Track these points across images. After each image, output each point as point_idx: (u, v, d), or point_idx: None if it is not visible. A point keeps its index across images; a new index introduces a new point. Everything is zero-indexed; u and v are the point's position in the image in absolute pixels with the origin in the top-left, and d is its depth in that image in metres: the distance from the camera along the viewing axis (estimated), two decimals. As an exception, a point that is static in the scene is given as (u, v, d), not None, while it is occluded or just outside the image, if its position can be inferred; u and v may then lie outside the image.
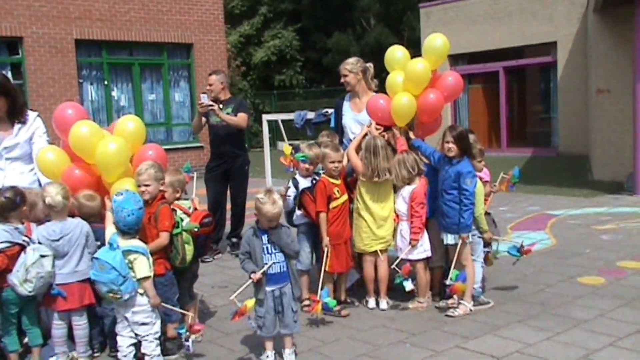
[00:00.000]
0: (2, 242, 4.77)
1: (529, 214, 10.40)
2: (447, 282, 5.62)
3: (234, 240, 8.53)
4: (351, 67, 6.58)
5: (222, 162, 8.35)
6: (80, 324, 4.98)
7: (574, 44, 17.61)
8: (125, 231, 4.73)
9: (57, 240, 4.85)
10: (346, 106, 6.76)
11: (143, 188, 5.01)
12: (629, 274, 6.75)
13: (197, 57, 19.07)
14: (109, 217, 4.84)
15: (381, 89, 6.49)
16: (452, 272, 5.62)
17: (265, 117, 13.17)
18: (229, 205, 8.61)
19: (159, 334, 4.88)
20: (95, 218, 5.17)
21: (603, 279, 6.60)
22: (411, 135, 6.19)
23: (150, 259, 4.81)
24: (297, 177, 6.25)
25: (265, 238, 4.76)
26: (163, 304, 4.87)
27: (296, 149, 6.59)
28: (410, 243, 5.84)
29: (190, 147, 18.51)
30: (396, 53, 6.27)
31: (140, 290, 4.73)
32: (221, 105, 8.14)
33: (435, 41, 6.10)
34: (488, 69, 19.93)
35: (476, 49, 19.30)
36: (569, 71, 17.82)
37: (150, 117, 18.49)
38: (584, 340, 5.01)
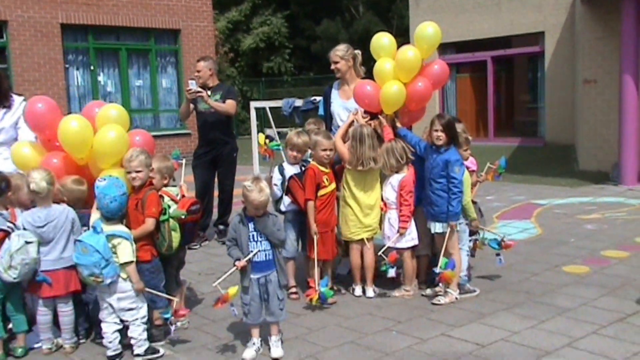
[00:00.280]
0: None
1: (515, 203, 10.44)
2: (437, 270, 5.64)
3: (221, 227, 8.52)
4: (342, 53, 6.56)
5: (210, 149, 8.32)
6: (66, 310, 4.97)
7: (562, 34, 17.62)
8: (109, 217, 4.73)
9: (42, 226, 4.83)
10: (335, 94, 6.74)
11: (134, 174, 4.99)
12: (613, 263, 6.80)
13: (185, 43, 18.97)
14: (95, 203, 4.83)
15: (369, 76, 6.48)
16: (441, 260, 5.64)
17: (253, 104, 13.12)
18: (216, 193, 8.60)
19: (146, 319, 4.89)
20: (82, 203, 5.15)
21: (587, 267, 6.65)
22: (397, 123, 6.19)
23: (134, 244, 4.82)
24: (284, 164, 6.25)
25: (251, 226, 4.76)
26: (147, 290, 4.87)
27: (270, 137, 6.63)
28: (399, 231, 5.86)
29: (178, 134, 18.45)
30: (382, 40, 6.25)
31: (124, 275, 4.74)
32: (209, 92, 8.10)
33: (426, 30, 6.10)
34: (476, 58, 19.93)
35: (464, 38, 19.27)
36: (557, 61, 17.85)
37: (137, 103, 18.40)
38: (567, 328, 5.05)
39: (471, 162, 6.25)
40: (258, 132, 11.86)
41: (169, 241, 5.12)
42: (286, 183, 6.10)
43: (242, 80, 29.05)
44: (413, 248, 5.98)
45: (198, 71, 8.27)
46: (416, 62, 5.99)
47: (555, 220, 9.02)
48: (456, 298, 5.78)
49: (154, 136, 6.25)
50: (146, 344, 4.86)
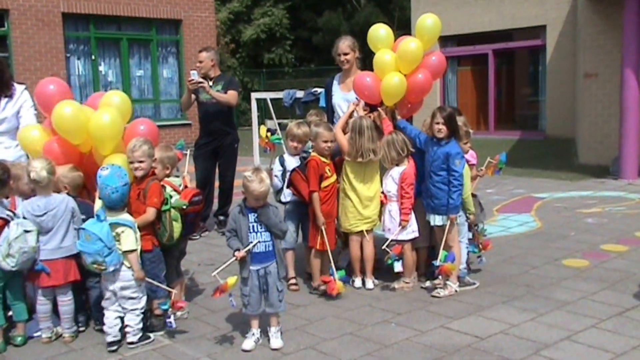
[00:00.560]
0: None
1: (515, 196, 10.45)
2: (436, 262, 5.64)
3: (221, 218, 8.52)
4: (352, 44, 6.56)
5: (211, 139, 8.32)
6: (65, 300, 4.97)
7: (564, 27, 17.59)
8: (111, 207, 4.74)
9: (42, 215, 4.83)
10: (336, 86, 6.73)
11: (137, 165, 5.00)
12: (613, 257, 6.81)
13: (186, 33, 18.94)
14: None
15: (365, 69, 6.49)
16: (441, 253, 5.65)
17: (254, 96, 13.11)
18: (217, 183, 8.60)
19: (144, 309, 4.91)
20: (81, 189, 5.16)
21: (587, 261, 6.65)
22: (397, 115, 6.19)
23: (138, 232, 4.84)
24: (285, 155, 6.25)
25: (251, 216, 4.75)
26: (147, 279, 4.89)
27: (272, 130, 6.63)
28: (400, 224, 5.86)
29: (178, 124, 18.44)
30: (379, 31, 6.25)
31: (127, 264, 4.76)
32: (211, 83, 8.10)
33: (426, 21, 6.10)
34: (477, 51, 19.89)
35: (466, 31, 19.23)
36: (558, 55, 17.82)
37: (137, 93, 18.39)
38: (567, 322, 5.06)
39: (471, 156, 6.25)
40: (259, 123, 11.88)
41: (170, 231, 5.12)
42: (288, 176, 6.09)
43: (243, 71, 29.00)
44: (413, 240, 5.98)
45: (200, 61, 8.26)
46: (418, 53, 5.98)
47: (555, 214, 9.02)
48: (455, 291, 5.78)
49: (155, 126, 6.24)
50: (140, 333, 4.88)
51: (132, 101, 5.68)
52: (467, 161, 6.02)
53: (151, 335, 4.98)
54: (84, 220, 4.87)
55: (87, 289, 5.21)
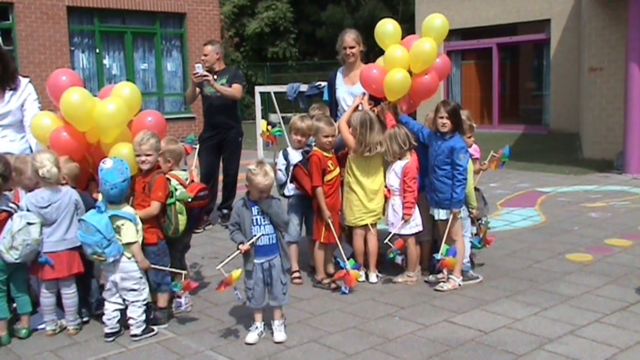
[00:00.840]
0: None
1: (519, 190, 10.44)
2: (438, 256, 5.64)
3: (225, 211, 8.53)
4: (358, 38, 6.56)
5: (215, 133, 8.32)
6: (69, 292, 4.98)
7: (568, 21, 17.54)
8: (110, 201, 4.76)
9: (46, 207, 4.83)
10: (340, 79, 6.72)
11: (144, 158, 5.02)
12: (616, 251, 6.81)
13: (190, 27, 18.92)
14: None
15: (369, 62, 6.49)
16: (443, 247, 5.65)
17: (258, 89, 13.11)
18: (221, 177, 8.60)
19: (146, 301, 4.93)
20: (78, 179, 5.17)
21: (591, 256, 6.65)
22: (399, 110, 6.19)
23: (140, 224, 4.87)
24: (288, 149, 6.25)
25: (254, 210, 4.75)
26: (153, 266, 4.93)
27: (272, 124, 6.62)
28: (403, 218, 5.86)
29: (182, 118, 18.44)
30: (387, 26, 6.24)
31: (128, 255, 4.78)
32: (215, 76, 8.09)
33: (434, 21, 6.12)
34: (481, 45, 19.86)
35: (470, 25, 19.19)
36: (562, 49, 17.78)
37: (142, 86, 18.37)
38: (570, 316, 5.06)
39: (474, 150, 6.24)
40: (263, 117, 11.88)
41: (176, 224, 5.13)
42: (291, 170, 6.09)
43: (246, 65, 28.98)
44: (417, 234, 5.98)
45: (205, 55, 8.25)
46: (433, 54, 6.01)
47: (559, 208, 9.01)
48: (459, 285, 5.78)
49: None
50: (143, 325, 4.90)
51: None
52: (471, 155, 6.02)
53: (155, 328, 4.99)
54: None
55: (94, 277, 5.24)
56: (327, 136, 5.91)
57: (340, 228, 6.21)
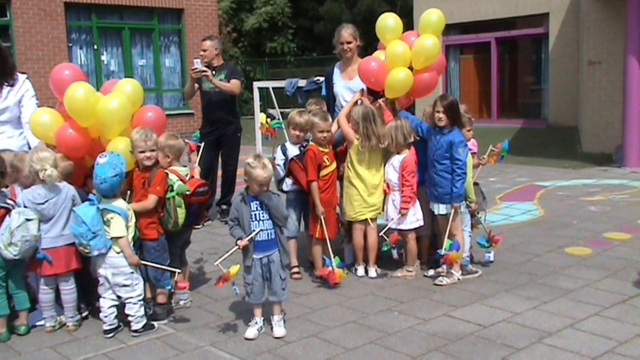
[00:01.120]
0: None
1: (518, 184, 10.44)
2: (441, 252, 5.63)
3: (224, 207, 8.52)
4: (354, 32, 6.55)
5: (214, 128, 8.30)
6: (68, 288, 4.98)
7: (566, 15, 17.51)
8: (103, 195, 4.76)
9: (43, 203, 4.83)
10: (337, 74, 6.71)
11: (149, 154, 5.03)
12: (615, 245, 6.81)
13: (188, 22, 18.88)
14: None
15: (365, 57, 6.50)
16: (446, 242, 5.64)
17: (256, 85, 13.10)
18: (220, 172, 8.59)
19: (142, 296, 4.94)
20: (72, 177, 5.16)
21: (590, 249, 6.65)
22: (397, 106, 6.19)
23: (133, 220, 4.88)
24: (287, 144, 6.24)
25: (253, 205, 4.75)
26: (143, 262, 4.92)
27: (271, 116, 6.62)
28: (400, 212, 5.86)
29: (181, 114, 18.41)
30: (388, 21, 6.24)
31: (117, 249, 4.77)
32: (214, 72, 8.08)
33: (431, 16, 6.13)
34: (480, 39, 19.83)
35: (468, 19, 19.15)
36: (561, 43, 17.75)
37: (140, 82, 18.28)
38: (570, 310, 5.06)
39: (472, 144, 6.23)
40: (261, 112, 11.86)
41: (175, 218, 5.13)
42: (287, 165, 6.09)
43: (245, 61, 28.93)
44: (416, 229, 5.98)
45: (204, 50, 8.23)
46: (436, 51, 6.02)
47: (558, 202, 9.01)
48: (458, 279, 5.79)
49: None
50: (144, 320, 4.91)
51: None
52: (469, 149, 6.02)
53: (155, 324, 4.99)
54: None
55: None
56: (322, 131, 5.90)
57: (339, 224, 6.21)
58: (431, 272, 5.99)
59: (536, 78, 20.01)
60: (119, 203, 4.85)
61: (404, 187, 5.85)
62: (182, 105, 18.66)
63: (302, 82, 11.25)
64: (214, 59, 8.21)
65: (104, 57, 17.84)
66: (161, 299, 5.16)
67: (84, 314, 5.19)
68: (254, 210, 4.75)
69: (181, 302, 5.40)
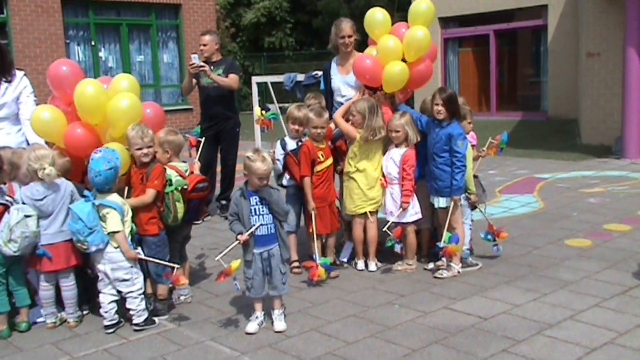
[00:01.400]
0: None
1: (517, 177, 10.43)
2: (441, 244, 5.63)
3: (224, 202, 8.52)
4: (354, 26, 6.53)
5: (213, 124, 8.29)
6: (68, 285, 4.98)
7: (565, 7, 17.47)
8: (98, 189, 4.76)
9: (41, 199, 4.83)
10: (334, 69, 6.68)
11: (146, 150, 5.02)
12: (615, 236, 6.81)
13: (186, 18, 18.86)
14: None
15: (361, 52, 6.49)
16: (445, 235, 5.64)
17: (255, 80, 13.09)
18: (218, 168, 8.59)
19: (142, 290, 4.94)
20: (69, 173, 5.16)
21: (590, 241, 6.65)
22: (396, 100, 6.18)
23: (129, 215, 4.88)
24: (286, 138, 6.23)
25: (253, 199, 4.75)
26: (142, 257, 4.92)
27: (266, 108, 6.61)
28: (401, 206, 5.85)
29: (179, 110, 18.40)
30: (376, 15, 6.24)
31: (115, 244, 4.78)
32: (212, 67, 8.06)
33: (420, 6, 6.13)
34: (479, 32, 19.79)
35: (467, 12, 19.10)
36: (560, 34, 17.72)
37: (138, 78, 18.02)
38: (570, 301, 5.06)
39: (471, 137, 6.22)
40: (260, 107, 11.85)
41: (175, 212, 5.13)
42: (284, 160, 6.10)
43: (243, 56, 28.90)
44: (415, 222, 5.98)
45: (204, 45, 8.21)
46: (427, 42, 6.00)
47: (557, 194, 9.01)
48: (458, 272, 5.79)
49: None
50: (145, 314, 4.92)
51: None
52: (468, 142, 6.01)
53: (156, 319, 4.99)
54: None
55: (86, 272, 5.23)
56: (316, 127, 5.89)
57: (339, 221, 6.20)
58: (431, 265, 5.99)
59: (535, 70, 19.97)
60: (114, 198, 4.85)
61: (404, 181, 5.85)
62: (181, 101, 18.65)
63: (300, 77, 11.27)
64: (213, 54, 8.20)
65: (101, 54, 17.82)
66: (162, 294, 5.16)
67: (85, 312, 5.19)
68: (253, 205, 4.74)
69: (182, 298, 5.41)
